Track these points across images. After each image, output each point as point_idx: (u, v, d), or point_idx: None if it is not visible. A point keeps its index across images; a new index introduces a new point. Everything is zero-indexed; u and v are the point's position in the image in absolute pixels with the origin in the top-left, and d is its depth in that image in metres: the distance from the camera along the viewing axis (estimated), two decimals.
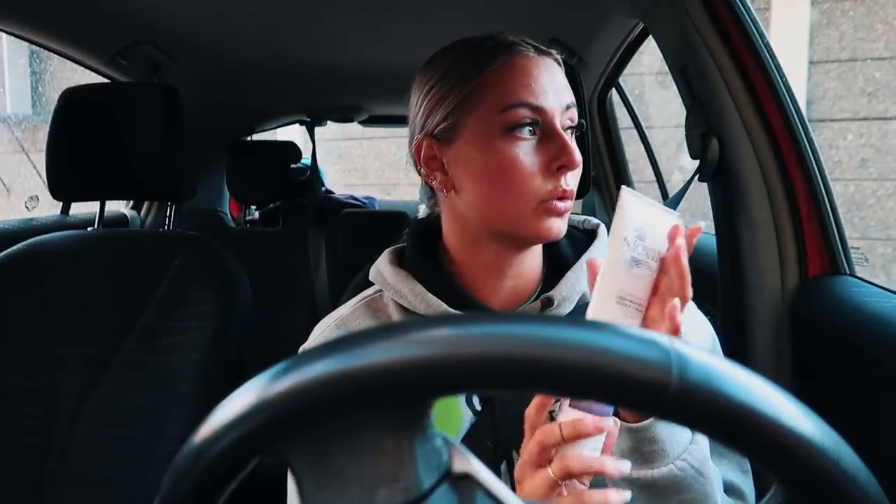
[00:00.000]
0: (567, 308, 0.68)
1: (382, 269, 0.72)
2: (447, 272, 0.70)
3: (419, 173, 0.71)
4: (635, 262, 0.53)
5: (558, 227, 0.65)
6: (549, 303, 0.67)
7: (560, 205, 0.65)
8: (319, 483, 0.29)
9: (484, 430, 0.66)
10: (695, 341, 0.70)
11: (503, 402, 0.66)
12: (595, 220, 0.76)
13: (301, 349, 0.73)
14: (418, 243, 0.73)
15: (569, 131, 0.66)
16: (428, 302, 0.67)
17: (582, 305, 0.69)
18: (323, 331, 0.74)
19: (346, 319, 0.73)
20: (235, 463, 0.29)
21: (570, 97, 0.66)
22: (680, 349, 0.27)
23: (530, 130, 0.63)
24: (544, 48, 0.68)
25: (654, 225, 0.55)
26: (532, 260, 0.70)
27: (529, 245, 0.68)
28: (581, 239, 0.74)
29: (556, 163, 0.63)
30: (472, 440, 0.65)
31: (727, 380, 0.26)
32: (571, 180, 0.66)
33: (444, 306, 0.67)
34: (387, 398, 0.28)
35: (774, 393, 0.27)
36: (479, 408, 0.67)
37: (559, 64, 0.68)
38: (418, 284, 0.69)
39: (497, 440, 0.65)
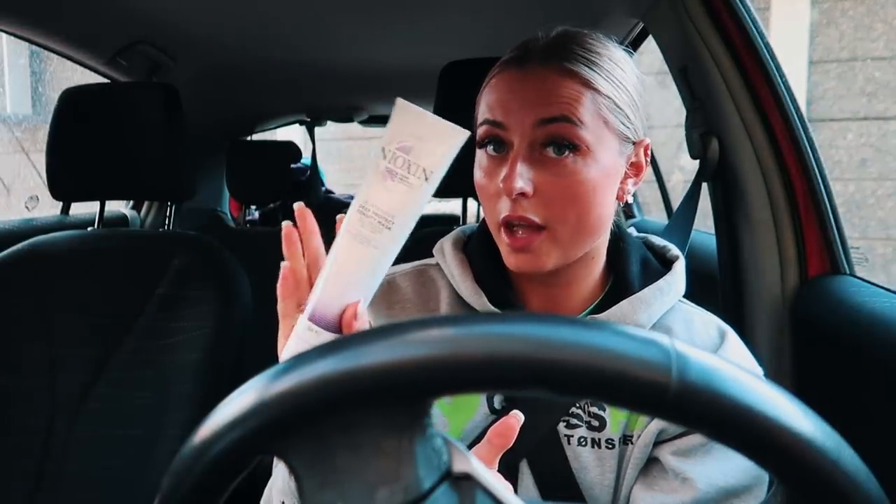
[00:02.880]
0: None
1: (445, 246, 0.72)
2: (502, 268, 0.67)
3: None
4: (389, 174, 0.48)
5: (518, 260, 0.61)
6: None
7: (506, 234, 0.61)
8: (319, 482, 0.29)
9: None
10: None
11: (525, 407, 0.65)
12: (676, 252, 0.71)
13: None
14: (485, 230, 0.70)
15: (551, 148, 0.59)
16: (473, 292, 0.67)
17: None
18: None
19: (394, 279, 0.73)
20: (235, 463, 0.29)
21: (554, 110, 0.59)
22: (680, 349, 0.27)
23: (494, 148, 0.61)
24: (552, 53, 0.62)
25: (427, 139, 0.48)
26: (577, 274, 0.66)
27: None
28: (655, 269, 0.69)
29: (502, 184, 0.59)
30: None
31: (727, 380, 0.26)
32: (528, 206, 0.59)
33: (485, 301, 0.66)
34: (387, 398, 0.28)
35: (774, 393, 0.27)
36: (498, 407, 0.66)
37: (569, 73, 0.60)
38: (470, 273, 0.68)
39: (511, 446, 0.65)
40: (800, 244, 0.99)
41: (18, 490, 1.09)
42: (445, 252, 0.71)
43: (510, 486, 0.52)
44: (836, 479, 0.26)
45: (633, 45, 1.56)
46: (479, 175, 0.63)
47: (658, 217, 2.09)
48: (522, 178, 0.58)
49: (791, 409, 0.27)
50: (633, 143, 0.64)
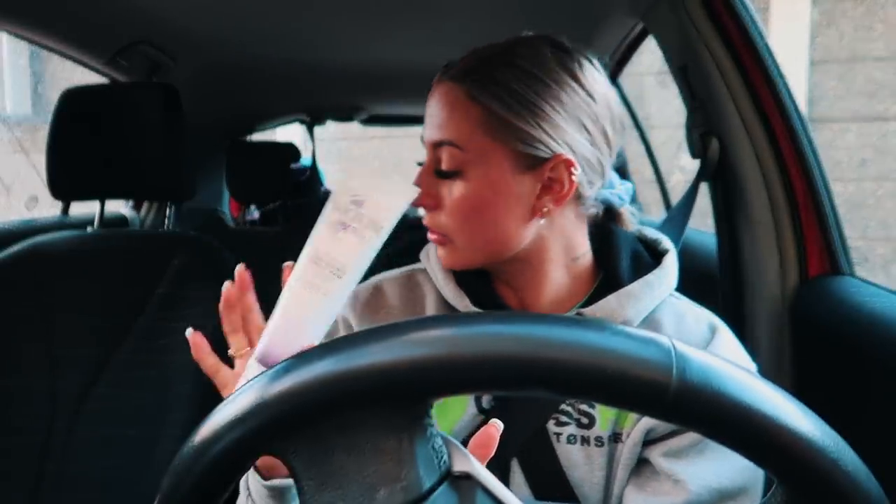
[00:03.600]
0: None
1: (430, 252, 0.74)
2: (486, 273, 0.70)
3: None
4: (342, 226, 0.50)
5: (438, 254, 0.68)
6: None
7: (429, 234, 0.67)
8: (319, 482, 0.29)
9: None
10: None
11: (514, 406, 0.65)
12: (668, 245, 0.71)
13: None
14: None
15: (439, 173, 0.64)
16: (456, 294, 0.69)
17: None
18: (358, 289, 0.76)
19: (381, 285, 0.75)
20: (235, 463, 0.29)
21: (444, 134, 0.63)
22: (680, 349, 0.27)
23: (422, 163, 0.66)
24: (455, 72, 0.64)
25: (379, 194, 0.51)
26: (537, 278, 0.67)
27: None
28: (646, 263, 0.69)
29: None
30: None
31: (727, 380, 0.26)
32: (431, 217, 0.65)
33: (468, 302, 0.67)
34: (386, 398, 0.28)
35: (775, 393, 0.27)
36: (486, 407, 0.66)
37: (464, 94, 0.62)
38: (452, 280, 0.70)
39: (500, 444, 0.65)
40: (800, 244, 0.99)
41: (18, 490, 1.09)
42: (430, 256, 0.73)
43: None
44: (835, 479, 0.26)
45: (633, 45, 1.56)
46: None
47: (658, 217, 2.09)
48: (424, 195, 0.64)
49: (791, 408, 0.27)
50: (545, 160, 0.62)
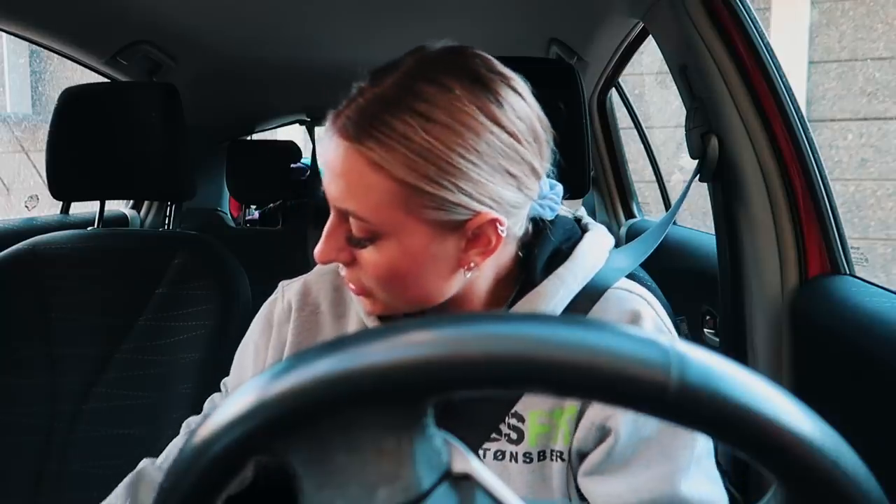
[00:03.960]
0: None
1: None
2: None
3: None
4: None
5: (358, 301, 0.64)
6: None
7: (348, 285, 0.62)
8: (319, 482, 0.29)
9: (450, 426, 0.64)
10: None
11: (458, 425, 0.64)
12: (589, 230, 0.68)
13: (267, 302, 0.74)
14: None
15: (352, 240, 0.57)
16: (368, 318, 0.66)
17: None
18: (285, 288, 0.74)
19: (308, 283, 0.73)
20: (234, 463, 0.29)
21: (345, 203, 0.55)
22: (680, 349, 0.27)
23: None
24: (348, 127, 0.54)
25: None
26: (463, 303, 0.63)
27: None
28: (561, 257, 0.64)
29: None
30: None
31: (727, 380, 0.26)
32: (348, 273, 0.60)
33: (375, 321, 0.65)
34: (386, 398, 0.28)
35: (774, 393, 0.27)
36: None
37: (363, 158, 0.53)
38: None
39: (463, 437, 0.64)
40: (800, 244, 0.99)
41: (18, 490, 1.09)
42: None
43: None
44: (835, 479, 0.26)
45: (634, 45, 1.56)
46: None
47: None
48: (332, 251, 0.58)
49: (791, 408, 0.27)
50: (467, 220, 0.55)
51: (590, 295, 0.64)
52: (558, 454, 0.62)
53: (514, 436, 0.62)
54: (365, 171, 0.53)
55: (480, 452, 0.63)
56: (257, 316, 0.76)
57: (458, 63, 0.55)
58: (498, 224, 0.56)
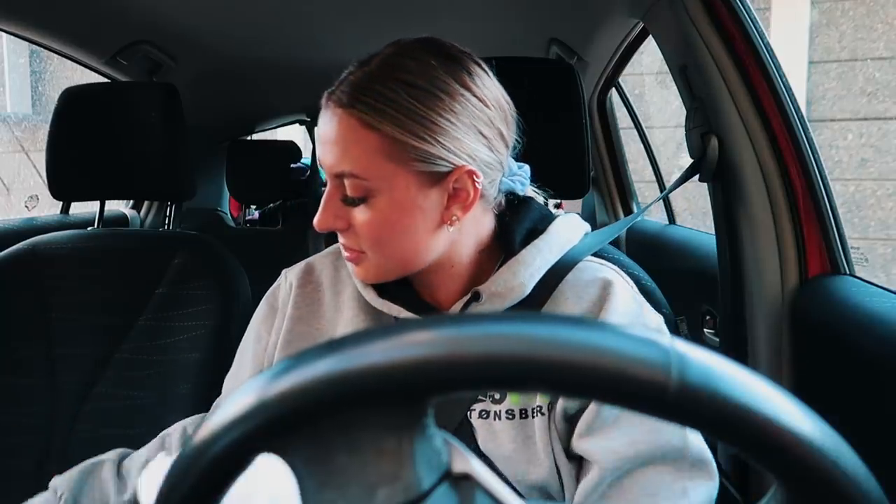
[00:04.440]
0: (498, 304, 0.67)
1: None
2: None
3: None
4: None
5: (351, 269, 0.69)
6: (476, 297, 0.67)
7: (343, 251, 0.68)
8: (319, 482, 0.29)
9: None
10: None
11: None
12: (557, 215, 0.74)
13: (270, 290, 0.79)
14: None
15: (344, 200, 0.64)
16: (365, 290, 0.71)
17: (522, 301, 0.68)
18: (288, 273, 0.79)
19: (313, 263, 0.79)
20: (235, 463, 0.29)
21: (340, 165, 0.62)
22: (680, 349, 0.27)
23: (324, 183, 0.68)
24: (347, 99, 0.62)
25: None
26: (440, 278, 0.70)
27: None
28: (537, 232, 0.71)
29: None
30: None
31: (727, 380, 0.26)
32: (346, 237, 0.66)
33: (373, 294, 0.70)
34: (386, 398, 0.28)
35: (774, 393, 0.27)
36: None
37: (356, 119, 0.61)
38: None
39: None
40: (800, 244, 0.99)
41: (18, 490, 1.09)
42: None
43: None
44: (835, 479, 0.26)
45: (634, 45, 1.56)
46: None
47: (658, 217, 2.09)
48: (329, 217, 0.64)
49: (791, 408, 0.27)
50: (448, 173, 0.62)
51: (564, 266, 0.70)
52: (537, 409, 0.67)
53: (497, 395, 0.68)
54: (358, 131, 0.61)
55: (469, 413, 0.68)
56: (259, 306, 0.79)
57: (433, 44, 0.65)
58: (475, 177, 0.63)
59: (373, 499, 0.29)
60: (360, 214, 0.63)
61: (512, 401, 0.67)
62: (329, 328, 0.74)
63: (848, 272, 0.98)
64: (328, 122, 0.64)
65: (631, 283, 0.72)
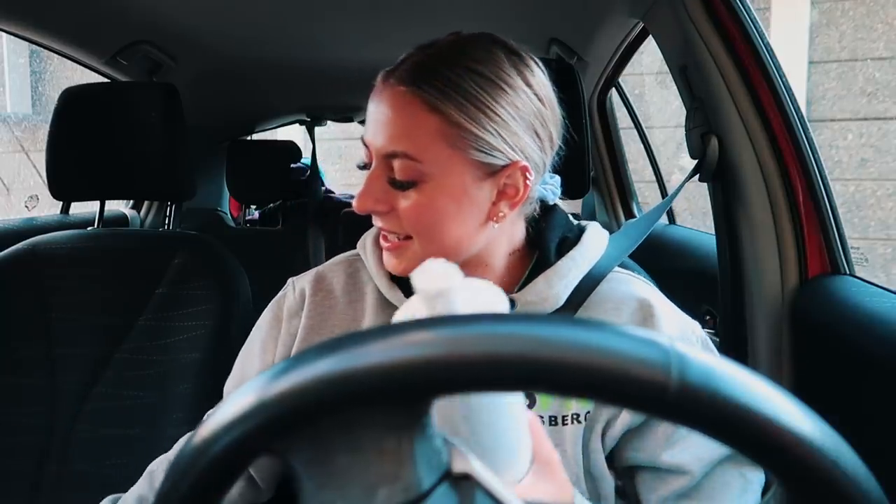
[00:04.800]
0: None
1: (367, 243, 0.74)
2: None
3: None
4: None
5: (386, 260, 0.66)
6: (511, 305, 0.66)
7: (382, 237, 0.66)
8: (320, 482, 0.29)
9: None
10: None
11: None
12: (587, 223, 0.74)
13: (275, 300, 0.76)
14: None
15: (393, 183, 0.62)
16: (389, 287, 0.69)
17: (554, 312, 0.67)
18: (295, 281, 0.77)
19: (324, 272, 0.76)
20: (235, 463, 0.29)
21: (393, 144, 0.60)
22: (680, 349, 0.27)
23: (366, 166, 0.64)
24: (408, 78, 0.60)
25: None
26: (481, 270, 0.68)
27: None
28: (571, 242, 0.71)
29: None
30: None
31: (727, 380, 0.26)
32: (388, 221, 0.63)
33: (400, 295, 0.68)
34: (386, 398, 0.28)
35: (774, 393, 0.27)
36: None
37: (420, 100, 0.59)
38: (386, 276, 0.70)
39: None
40: (800, 244, 0.99)
41: (18, 490, 1.09)
42: (367, 247, 0.73)
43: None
44: (835, 479, 0.26)
45: (634, 45, 1.56)
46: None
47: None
48: (372, 200, 0.62)
49: (791, 408, 0.27)
50: (503, 167, 0.62)
51: (593, 277, 0.69)
52: (574, 416, 0.65)
53: (527, 401, 0.66)
54: (420, 111, 0.59)
55: None
56: (264, 315, 0.77)
57: (495, 38, 0.64)
58: (527, 174, 0.62)
59: (373, 499, 0.29)
60: (406, 198, 0.61)
61: (542, 406, 0.65)
62: None
63: (848, 272, 0.98)
64: (385, 100, 0.61)
65: (660, 293, 0.72)
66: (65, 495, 1.09)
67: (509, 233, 0.68)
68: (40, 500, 1.08)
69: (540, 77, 0.64)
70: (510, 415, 0.45)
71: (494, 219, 0.64)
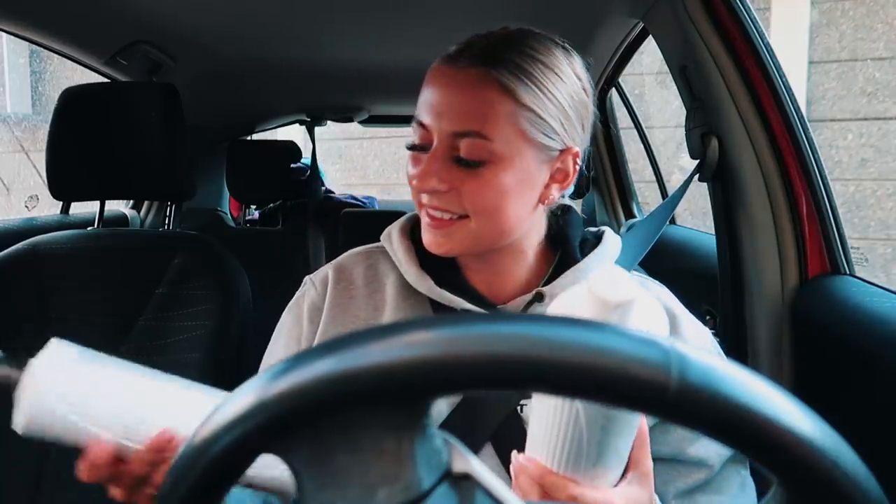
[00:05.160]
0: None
1: (392, 233, 0.74)
2: (451, 258, 0.71)
3: None
4: None
5: (432, 238, 0.66)
6: (539, 298, 0.68)
7: (425, 217, 0.66)
8: (319, 482, 0.29)
9: (461, 418, 0.66)
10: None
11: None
12: (605, 228, 0.77)
13: (307, 277, 0.77)
14: None
15: (464, 157, 0.62)
16: (418, 277, 0.69)
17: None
18: (313, 278, 0.77)
19: (343, 263, 0.77)
20: (235, 463, 0.29)
21: (468, 124, 0.61)
22: (680, 349, 0.27)
23: (419, 147, 0.65)
24: (483, 60, 0.62)
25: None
26: (506, 263, 0.70)
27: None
28: (591, 243, 0.74)
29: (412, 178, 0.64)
30: (448, 427, 0.66)
31: (727, 380, 0.26)
32: (446, 200, 0.64)
33: (431, 284, 0.69)
34: (386, 398, 0.28)
35: (774, 393, 0.27)
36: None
37: (492, 81, 0.61)
38: (415, 259, 0.71)
39: (474, 430, 0.66)
40: (800, 244, 0.99)
41: (18, 490, 1.09)
42: (393, 239, 0.74)
43: None
44: (835, 479, 0.26)
45: (634, 45, 1.56)
46: (408, 163, 0.67)
47: None
48: (436, 179, 0.62)
49: (791, 408, 0.27)
50: (560, 151, 0.65)
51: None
52: None
53: None
54: (495, 92, 0.61)
55: (524, 417, 0.66)
56: (284, 316, 0.77)
57: (541, 31, 0.68)
58: (577, 159, 0.66)
59: (373, 499, 0.29)
60: (473, 178, 0.62)
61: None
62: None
63: (848, 272, 0.98)
64: (455, 81, 0.62)
65: (675, 297, 0.73)
66: (65, 495, 1.09)
67: (538, 225, 0.70)
68: (40, 500, 1.08)
69: (584, 70, 0.67)
70: (633, 425, 0.48)
71: (545, 201, 0.67)
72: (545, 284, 0.69)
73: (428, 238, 0.66)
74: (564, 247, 0.72)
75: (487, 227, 0.64)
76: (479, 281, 0.71)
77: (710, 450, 0.65)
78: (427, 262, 0.70)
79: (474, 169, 0.62)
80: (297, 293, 0.78)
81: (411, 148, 0.66)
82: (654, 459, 0.68)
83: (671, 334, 0.68)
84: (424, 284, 0.69)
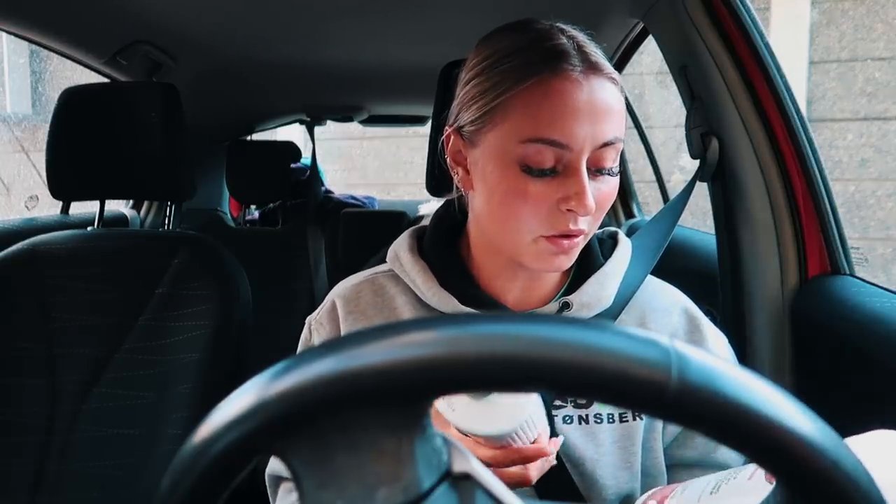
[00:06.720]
0: (586, 314, 0.67)
1: (401, 254, 0.71)
2: (463, 265, 0.69)
3: (443, 160, 0.68)
4: None
5: (559, 262, 0.61)
6: (566, 307, 0.66)
7: (564, 242, 0.60)
8: (319, 482, 0.29)
9: None
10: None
11: None
12: (614, 229, 0.77)
13: (309, 319, 0.74)
14: (439, 230, 0.72)
15: (601, 172, 0.60)
16: (440, 297, 0.67)
17: (602, 312, 0.68)
18: (317, 311, 0.75)
19: (348, 291, 0.73)
20: (235, 463, 0.29)
21: (612, 131, 0.58)
22: (680, 349, 0.27)
23: (550, 170, 0.58)
24: (600, 63, 0.59)
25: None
26: None
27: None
28: (609, 244, 0.73)
29: (565, 204, 0.58)
30: None
31: (727, 380, 0.26)
32: (583, 223, 0.60)
33: (456, 303, 0.66)
34: (386, 398, 0.28)
35: (774, 393, 0.27)
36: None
37: (614, 82, 0.59)
38: (433, 278, 0.68)
39: None
40: (800, 244, 0.99)
41: (18, 490, 1.09)
42: (402, 260, 0.71)
43: None
44: (834, 479, 0.26)
45: (633, 45, 1.56)
46: (524, 191, 0.59)
47: None
48: (592, 198, 0.58)
49: (791, 408, 0.27)
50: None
51: (629, 282, 0.72)
52: (609, 416, 0.67)
53: (581, 401, 0.66)
54: (620, 97, 0.60)
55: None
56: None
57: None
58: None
59: (373, 499, 0.29)
60: (605, 186, 0.61)
61: (599, 406, 0.66)
62: None
63: (848, 272, 0.98)
64: (596, 89, 0.58)
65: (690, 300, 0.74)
66: (65, 495, 1.09)
67: None
68: (40, 500, 1.08)
69: None
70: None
71: None
72: (570, 292, 0.68)
73: (553, 263, 0.62)
74: (586, 250, 0.70)
75: (585, 239, 0.63)
76: (510, 289, 0.68)
77: (734, 453, 0.65)
78: (448, 279, 0.68)
79: (610, 176, 0.61)
80: (303, 336, 0.75)
81: (540, 166, 0.58)
82: (681, 464, 0.68)
83: (695, 341, 0.69)
84: (449, 304, 0.66)
